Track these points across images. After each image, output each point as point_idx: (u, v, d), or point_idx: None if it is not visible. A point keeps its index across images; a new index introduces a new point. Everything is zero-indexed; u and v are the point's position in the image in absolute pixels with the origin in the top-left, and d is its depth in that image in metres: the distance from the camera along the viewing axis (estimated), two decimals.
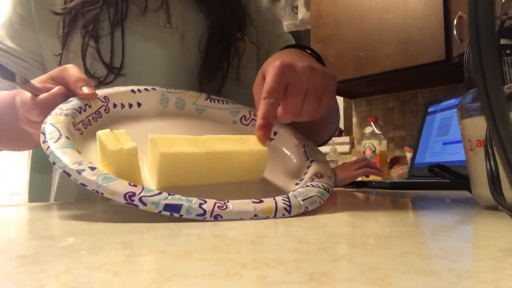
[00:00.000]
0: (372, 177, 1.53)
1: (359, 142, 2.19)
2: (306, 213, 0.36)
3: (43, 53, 0.62)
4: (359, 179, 1.48)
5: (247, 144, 0.40)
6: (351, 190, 0.96)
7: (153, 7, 0.63)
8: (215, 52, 0.65)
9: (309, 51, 0.54)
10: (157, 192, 0.32)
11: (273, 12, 0.77)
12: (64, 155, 0.34)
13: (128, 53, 0.60)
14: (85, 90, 0.44)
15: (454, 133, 1.33)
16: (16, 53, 0.61)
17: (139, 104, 0.50)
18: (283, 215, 0.34)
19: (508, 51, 0.41)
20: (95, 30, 0.59)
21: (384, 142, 1.83)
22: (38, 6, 0.61)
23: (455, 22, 1.50)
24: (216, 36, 0.65)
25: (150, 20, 0.63)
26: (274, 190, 0.42)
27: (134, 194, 0.31)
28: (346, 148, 2.34)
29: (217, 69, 0.64)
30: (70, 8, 0.59)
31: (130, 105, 0.49)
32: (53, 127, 0.38)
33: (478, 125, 0.39)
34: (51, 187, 0.69)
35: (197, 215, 0.31)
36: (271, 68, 0.41)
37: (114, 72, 0.59)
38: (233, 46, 0.67)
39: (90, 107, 0.45)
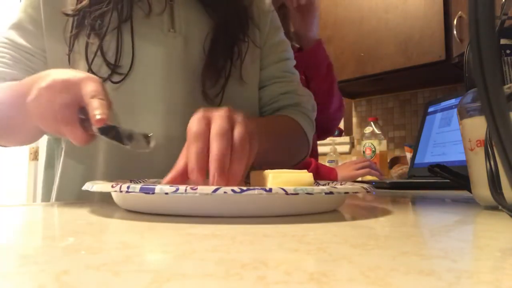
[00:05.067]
0: (368, 177, 1.53)
1: (359, 142, 2.19)
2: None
3: (47, 54, 0.62)
4: (359, 179, 1.48)
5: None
6: None
7: (157, 11, 0.63)
8: (219, 53, 0.65)
9: None
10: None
11: (273, 18, 0.78)
12: None
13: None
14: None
15: (454, 133, 1.33)
16: (26, 49, 0.62)
17: None
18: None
19: (508, 51, 0.42)
20: (100, 29, 0.59)
21: (384, 142, 1.83)
22: (47, 9, 0.61)
23: (455, 22, 1.50)
24: (221, 37, 0.65)
25: (154, 24, 0.63)
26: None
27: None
28: (346, 148, 2.34)
29: (221, 70, 0.65)
30: (79, 9, 0.59)
31: None
32: None
33: (478, 125, 0.39)
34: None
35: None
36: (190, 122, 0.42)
37: (117, 72, 0.59)
38: (237, 47, 0.67)
39: None
